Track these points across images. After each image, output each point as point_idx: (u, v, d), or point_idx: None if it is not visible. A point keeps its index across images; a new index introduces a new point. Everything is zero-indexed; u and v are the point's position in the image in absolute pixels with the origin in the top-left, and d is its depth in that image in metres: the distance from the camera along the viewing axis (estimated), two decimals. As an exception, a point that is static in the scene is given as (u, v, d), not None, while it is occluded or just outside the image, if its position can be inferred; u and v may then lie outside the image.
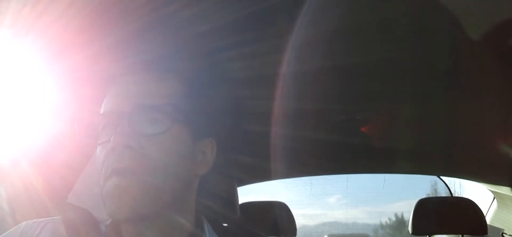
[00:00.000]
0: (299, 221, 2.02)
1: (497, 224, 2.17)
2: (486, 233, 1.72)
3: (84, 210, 0.63)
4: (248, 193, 2.19)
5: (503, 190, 2.02)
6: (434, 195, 2.06)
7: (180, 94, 0.58)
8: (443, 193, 2.45)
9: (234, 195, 1.21)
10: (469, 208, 1.76)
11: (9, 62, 0.67)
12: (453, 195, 2.45)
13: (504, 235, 2.06)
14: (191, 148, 0.58)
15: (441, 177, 2.41)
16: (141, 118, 0.54)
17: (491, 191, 2.21)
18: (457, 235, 1.87)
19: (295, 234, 1.89)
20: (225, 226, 1.14)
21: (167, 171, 0.54)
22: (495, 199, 2.25)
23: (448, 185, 2.45)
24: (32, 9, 0.58)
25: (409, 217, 1.84)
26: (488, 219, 2.10)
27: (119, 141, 0.52)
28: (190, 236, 0.60)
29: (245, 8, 0.67)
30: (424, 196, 1.84)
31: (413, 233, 1.78)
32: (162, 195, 0.54)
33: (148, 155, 0.53)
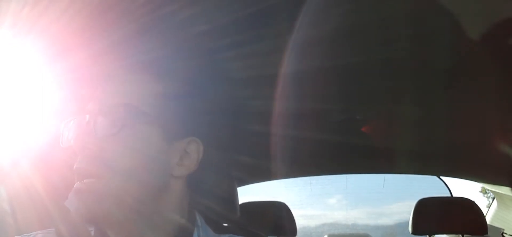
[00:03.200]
0: (299, 222, 2.02)
1: (497, 224, 2.17)
2: (486, 232, 1.72)
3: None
4: (248, 193, 2.19)
5: (503, 190, 2.02)
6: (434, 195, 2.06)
7: (152, 90, 0.55)
8: (443, 193, 2.45)
9: (234, 195, 1.21)
10: (469, 208, 1.76)
11: (10, 62, 0.67)
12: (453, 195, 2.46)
13: (504, 234, 2.06)
14: (163, 149, 0.55)
15: (441, 177, 2.41)
16: (100, 119, 0.52)
17: (491, 191, 2.22)
18: (457, 235, 1.87)
19: (295, 234, 1.89)
20: (225, 226, 1.13)
21: (129, 175, 0.52)
22: (495, 199, 2.25)
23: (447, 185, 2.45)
24: (32, 9, 0.58)
25: (409, 217, 1.84)
26: (488, 219, 2.10)
27: (77, 143, 0.51)
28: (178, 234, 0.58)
29: (244, 8, 0.67)
30: (424, 196, 1.85)
31: (413, 233, 1.78)
32: (124, 199, 0.51)
33: (107, 156, 0.51)
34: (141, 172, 0.53)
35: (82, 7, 0.59)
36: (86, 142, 0.51)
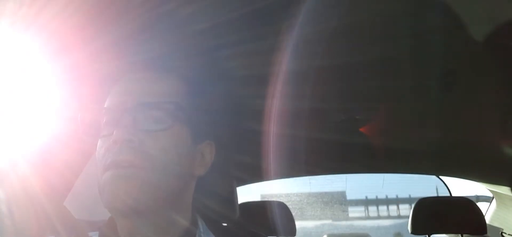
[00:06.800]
0: (298, 222, 2.02)
1: (496, 224, 2.17)
2: (485, 232, 1.72)
3: (76, 223, 0.63)
4: (247, 193, 2.19)
5: (502, 189, 2.02)
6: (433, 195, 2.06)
7: (182, 94, 0.59)
8: (442, 192, 2.45)
9: (234, 195, 1.21)
10: (468, 208, 1.76)
11: (8, 60, 0.66)
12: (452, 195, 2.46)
13: (504, 234, 2.06)
14: (191, 149, 0.59)
15: (441, 177, 2.41)
16: (143, 115, 0.55)
17: (491, 190, 2.22)
18: (456, 235, 1.87)
19: (295, 234, 1.90)
20: (225, 226, 1.13)
21: (166, 168, 0.55)
22: (495, 199, 2.25)
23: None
24: (31, 6, 0.57)
25: (408, 216, 1.84)
26: (487, 219, 2.10)
27: (121, 134, 0.53)
28: (184, 234, 0.60)
29: (245, 7, 0.67)
30: (423, 195, 1.85)
31: (412, 232, 1.78)
32: (158, 192, 0.54)
33: (148, 151, 0.54)
34: (175, 168, 0.56)
35: (82, 4, 0.59)
36: (131, 134, 0.53)
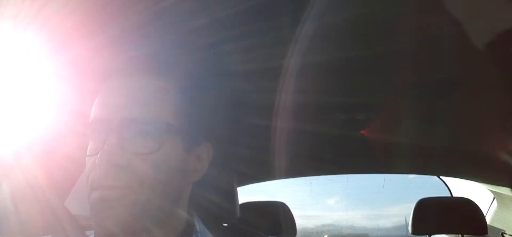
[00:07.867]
0: (299, 222, 2.03)
1: (497, 224, 2.17)
2: (486, 233, 1.72)
3: (74, 224, 0.62)
4: (248, 193, 2.19)
5: (503, 190, 2.02)
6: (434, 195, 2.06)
7: (174, 98, 0.55)
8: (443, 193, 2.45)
9: (234, 195, 1.21)
10: (469, 208, 1.76)
11: (11, 56, 0.67)
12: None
13: (504, 235, 2.06)
14: (184, 157, 0.55)
15: (441, 177, 2.42)
16: (130, 133, 0.51)
17: (491, 191, 2.22)
18: (457, 235, 1.87)
19: (295, 234, 1.90)
20: (225, 226, 1.13)
21: (156, 186, 0.52)
22: (495, 199, 2.25)
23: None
24: (32, 5, 0.57)
25: (409, 217, 1.84)
26: (488, 219, 2.10)
27: (106, 159, 0.50)
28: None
29: (246, 2, 0.67)
30: (424, 196, 1.85)
31: (413, 233, 1.78)
32: (149, 210, 0.52)
33: (136, 172, 0.50)
34: (166, 183, 0.53)
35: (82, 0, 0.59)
36: (118, 156, 0.50)
